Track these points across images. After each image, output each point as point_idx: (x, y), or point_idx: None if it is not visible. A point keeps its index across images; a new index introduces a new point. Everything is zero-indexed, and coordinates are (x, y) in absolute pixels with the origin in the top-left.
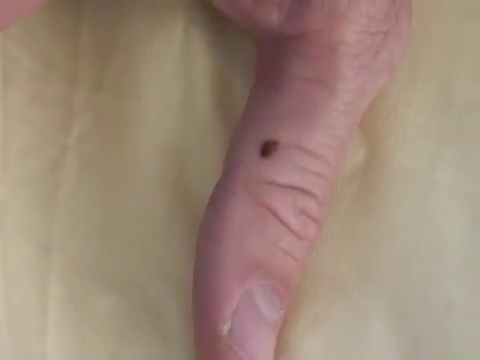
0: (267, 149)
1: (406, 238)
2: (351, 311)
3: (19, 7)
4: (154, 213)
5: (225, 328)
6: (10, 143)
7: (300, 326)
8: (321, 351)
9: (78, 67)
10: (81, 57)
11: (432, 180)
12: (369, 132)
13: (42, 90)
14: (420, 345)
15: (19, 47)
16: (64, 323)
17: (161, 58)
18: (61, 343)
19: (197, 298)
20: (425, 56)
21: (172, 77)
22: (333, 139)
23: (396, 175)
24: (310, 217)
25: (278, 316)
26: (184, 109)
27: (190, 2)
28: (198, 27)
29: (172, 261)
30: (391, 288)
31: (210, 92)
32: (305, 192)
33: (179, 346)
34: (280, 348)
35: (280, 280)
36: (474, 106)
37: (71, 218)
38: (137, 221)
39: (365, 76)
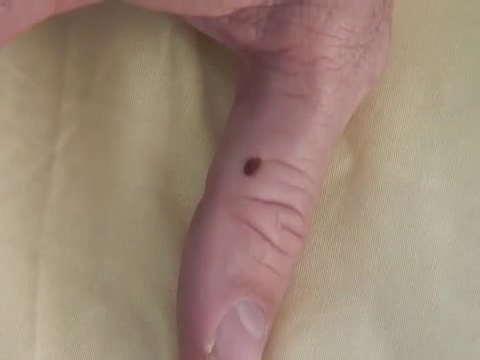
0: (250, 167)
1: (392, 246)
2: (337, 316)
3: (13, 29)
4: (141, 223)
5: (209, 346)
6: None
7: (287, 332)
8: (308, 356)
9: (65, 76)
10: (68, 67)
11: (418, 187)
12: (355, 139)
13: (29, 99)
14: (406, 350)
15: (5, 57)
16: (52, 332)
17: (148, 67)
18: (49, 352)
19: (181, 316)
20: (410, 62)
21: (159, 86)
22: (315, 153)
23: (383, 183)
24: (293, 232)
25: (263, 332)
26: (171, 118)
27: None
28: (184, 36)
29: (160, 271)
30: (377, 294)
31: (197, 101)
32: (287, 207)
33: (167, 356)
34: (267, 354)
35: (264, 296)
36: (460, 111)
37: (59, 226)
38: (124, 231)
39: (345, 89)
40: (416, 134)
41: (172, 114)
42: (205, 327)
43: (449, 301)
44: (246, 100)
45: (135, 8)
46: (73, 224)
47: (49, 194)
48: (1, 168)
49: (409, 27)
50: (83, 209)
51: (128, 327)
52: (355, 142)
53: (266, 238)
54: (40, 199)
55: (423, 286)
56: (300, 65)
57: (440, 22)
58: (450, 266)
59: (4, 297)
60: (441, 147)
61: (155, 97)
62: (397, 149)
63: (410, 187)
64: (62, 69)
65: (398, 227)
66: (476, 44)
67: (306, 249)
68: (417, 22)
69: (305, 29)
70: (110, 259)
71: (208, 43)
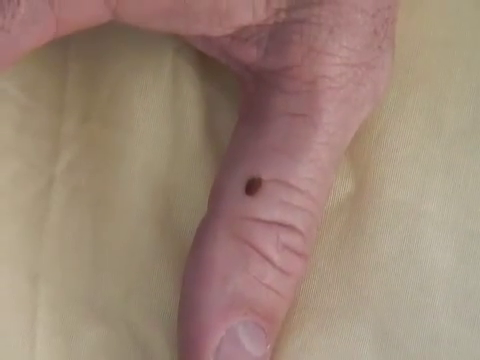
0: (251, 187)
1: (393, 270)
2: (338, 340)
3: (13, 53)
4: (142, 246)
5: None
6: None
7: (287, 354)
8: None
9: (65, 98)
10: (68, 88)
11: (420, 212)
12: (356, 161)
13: (29, 120)
14: None
15: (5, 78)
16: (52, 354)
17: (150, 89)
18: None
19: (181, 336)
20: (412, 84)
21: (161, 109)
22: (317, 173)
23: (384, 207)
24: (294, 252)
25: (264, 352)
26: (173, 141)
27: None
28: (187, 57)
29: (160, 296)
30: (378, 319)
31: (199, 124)
32: (288, 227)
33: None
34: None
35: (264, 316)
36: (462, 134)
37: (59, 248)
38: (125, 253)
39: (348, 108)
40: (417, 158)
41: (174, 136)
42: (204, 346)
43: (450, 326)
44: (248, 120)
45: (137, 29)
46: (73, 246)
47: (49, 215)
48: (1, 189)
49: (411, 51)
50: (83, 231)
51: (128, 349)
52: (357, 164)
53: (267, 258)
54: (40, 220)
55: (424, 311)
56: (301, 84)
57: (441, 47)
58: (451, 291)
59: (4, 318)
60: (442, 172)
61: (157, 119)
62: (398, 173)
63: (411, 211)
64: (63, 90)
65: (399, 251)
66: (477, 69)
67: (308, 271)
68: (419, 46)
69: (306, 48)
70: (110, 281)
71: (210, 64)
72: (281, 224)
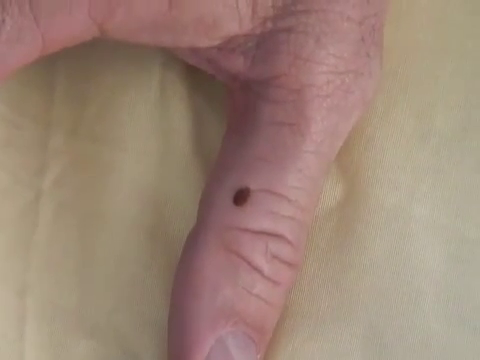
0: (240, 197)
1: (384, 273)
2: (329, 346)
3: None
4: (131, 259)
5: None
6: None
7: None
8: None
9: (52, 113)
10: (55, 103)
11: (409, 215)
12: (346, 167)
13: (16, 135)
14: None
15: None
16: None
17: (138, 103)
18: None
19: (171, 348)
20: (401, 90)
21: (149, 122)
22: (305, 182)
23: (374, 211)
24: (283, 262)
25: None
26: (161, 154)
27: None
28: (174, 70)
29: (150, 307)
30: (369, 322)
31: (188, 136)
32: (277, 237)
33: None
34: None
35: (254, 326)
36: (450, 139)
37: (46, 262)
38: (113, 267)
39: (336, 116)
40: (407, 162)
41: (162, 150)
42: (194, 357)
43: (441, 328)
44: (236, 130)
45: (124, 44)
46: (61, 260)
47: (36, 230)
48: None
49: (399, 57)
50: (71, 245)
51: None
52: (346, 169)
53: (256, 268)
54: (27, 234)
55: (414, 313)
56: (288, 93)
57: (429, 53)
58: (441, 293)
59: None
60: (432, 176)
61: (145, 133)
62: (388, 177)
63: (401, 215)
64: (50, 105)
65: (389, 254)
66: (465, 75)
67: (298, 276)
68: (407, 51)
69: (292, 57)
70: (98, 294)
71: (198, 76)
72: (270, 234)
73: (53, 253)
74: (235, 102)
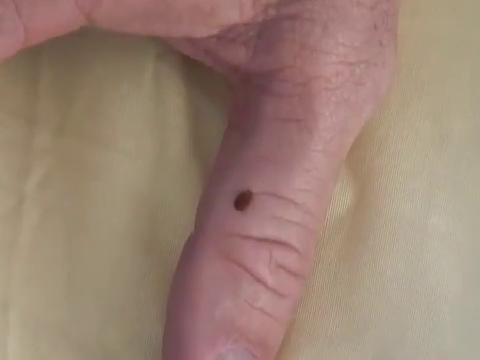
0: (241, 201)
1: (397, 290)
2: None
3: None
4: (122, 269)
5: None
6: None
7: None
8: None
9: (37, 108)
10: (40, 97)
11: (425, 227)
12: (357, 170)
13: None
14: None
15: None
16: None
17: (129, 98)
18: None
19: None
20: (417, 87)
21: (142, 119)
22: (313, 183)
23: (387, 221)
24: (289, 272)
25: None
26: (156, 155)
27: None
28: (170, 62)
29: (143, 323)
30: (381, 342)
31: (185, 134)
32: (283, 245)
33: None
34: None
35: (257, 343)
36: (471, 143)
37: (30, 273)
38: (103, 278)
39: (346, 111)
40: (423, 169)
41: (157, 149)
42: None
43: (458, 349)
44: (237, 128)
45: (114, 33)
46: (46, 271)
47: (19, 237)
48: None
49: (415, 51)
50: (57, 254)
51: None
52: (357, 173)
53: (259, 279)
54: (9, 243)
55: (430, 333)
56: (294, 86)
57: (450, 47)
58: (458, 310)
59: None
60: (449, 184)
61: (138, 131)
62: (403, 184)
63: (416, 226)
64: (34, 100)
65: (403, 269)
66: None
67: (304, 291)
68: (424, 46)
69: (298, 46)
70: (86, 308)
71: (195, 68)
72: (274, 241)
73: (37, 263)
74: (236, 97)
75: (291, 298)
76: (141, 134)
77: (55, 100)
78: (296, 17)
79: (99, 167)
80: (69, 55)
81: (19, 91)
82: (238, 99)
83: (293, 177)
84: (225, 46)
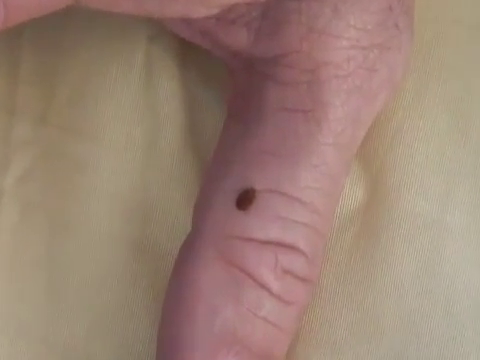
0: (243, 200)
1: (412, 292)
2: None
3: None
4: (110, 273)
5: None
6: None
7: None
8: None
9: (17, 96)
10: (21, 84)
11: (443, 225)
12: (369, 164)
13: None
14: None
15: None
16: None
17: (118, 84)
18: None
19: None
20: (434, 73)
21: (131, 109)
22: (322, 180)
23: (401, 219)
24: (296, 277)
25: None
26: (147, 147)
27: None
28: (163, 45)
29: (133, 334)
30: (394, 351)
31: (179, 124)
32: (289, 247)
33: None
34: None
35: (261, 355)
36: None
37: (8, 276)
38: (89, 282)
39: (358, 99)
40: (440, 162)
41: (148, 141)
42: None
43: (478, 351)
44: (238, 119)
45: (102, 13)
46: (26, 274)
47: None
48: None
49: (433, 33)
50: (39, 255)
51: None
52: (369, 167)
53: (263, 286)
54: None
55: (449, 342)
56: (301, 73)
57: (470, 29)
58: (478, 311)
59: None
60: (469, 179)
61: (127, 120)
62: (419, 179)
63: (433, 224)
64: (13, 87)
65: (419, 271)
66: None
67: (312, 296)
68: (442, 28)
69: (305, 29)
70: (71, 317)
71: (191, 52)
72: (280, 244)
73: (17, 263)
74: (236, 84)
75: (297, 305)
76: (131, 124)
77: (36, 87)
78: None
79: (84, 160)
80: (52, 38)
81: None
82: (239, 86)
83: (300, 173)
84: (225, 28)
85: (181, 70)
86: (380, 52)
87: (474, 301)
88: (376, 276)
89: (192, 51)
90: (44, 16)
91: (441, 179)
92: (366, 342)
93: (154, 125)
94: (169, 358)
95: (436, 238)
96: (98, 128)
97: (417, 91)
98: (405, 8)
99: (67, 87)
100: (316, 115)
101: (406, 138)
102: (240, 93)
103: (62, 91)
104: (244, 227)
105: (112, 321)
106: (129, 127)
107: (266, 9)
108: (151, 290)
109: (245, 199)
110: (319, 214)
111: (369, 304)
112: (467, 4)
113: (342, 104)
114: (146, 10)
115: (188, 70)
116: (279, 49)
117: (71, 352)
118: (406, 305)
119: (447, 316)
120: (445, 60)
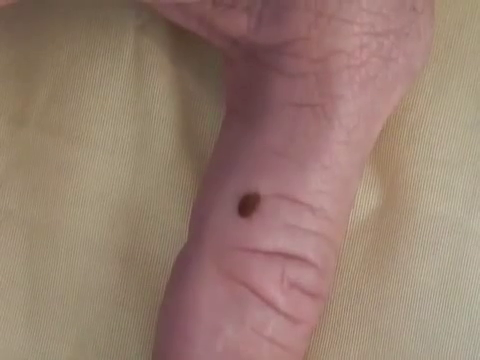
0: (246, 205)
1: (433, 307)
2: None
3: None
4: (97, 288)
5: None
6: None
7: None
8: None
9: None
10: None
11: (468, 230)
12: (384, 165)
13: None
14: None
15: None
16: None
17: (105, 80)
18: None
19: None
20: (456, 67)
21: (120, 105)
22: (334, 183)
23: (420, 224)
24: (305, 292)
25: None
26: (137, 149)
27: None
28: (154, 35)
29: (122, 353)
30: None
31: (172, 122)
32: (296, 259)
33: None
34: None
35: None
36: None
37: None
38: (73, 298)
39: (373, 92)
40: (463, 161)
41: (138, 143)
42: None
43: None
44: (239, 115)
45: (88, 0)
46: (3, 289)
47: None
48: None
49: (455, 20)
50: (17, 269)
51: None
52: (385, 168)
53: (268, 302)
54: None
55: (472, 358)
56: (309, 63)
57: None
58: None
59: None
60: None
61: (115, 119)
62: (439, 180)
63: (457, 229)
64: None
65: (441, 283)
66: None
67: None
68: (465, 14)
69: (313, 14)
70: (54, 337)
71: (185, 42)
72: (287, 255)
73: None
74: (237, 77)
75: (307, 324)
76: (119, 124)
77: (14, 84)
78: None
79: (68, 164)
80: (31, 29)
81: None
82: (239, 80)
83: (309, 175)
84: (223, 13)
85: (174, 63)
86: (397, 39)
87: None
88: (392, 292)
89: (186, 41)
90: (22, 5)
91: (464, 179)
92: None
93: (144, 125)
94: None
95: (459, 245)
96: (83, 128)
97: (438, 83)
98: None
99: (48, 84)
100: (326, 110)
101: (425, 135)
102: (241, 87)
103: (43, 88)
104: (247, 236)
105: (98, 343)
106: (117, 127)
107: None
108: (140, 306)
109: (248, 205)
110: (330, 221)
111: (384, 321)
112: None
113: (355, 97)
114: None
115: (182, 63)
116: (284, 36)
117: None
118: (426, 323)
119: (473, 334)
120: (470, 47)
